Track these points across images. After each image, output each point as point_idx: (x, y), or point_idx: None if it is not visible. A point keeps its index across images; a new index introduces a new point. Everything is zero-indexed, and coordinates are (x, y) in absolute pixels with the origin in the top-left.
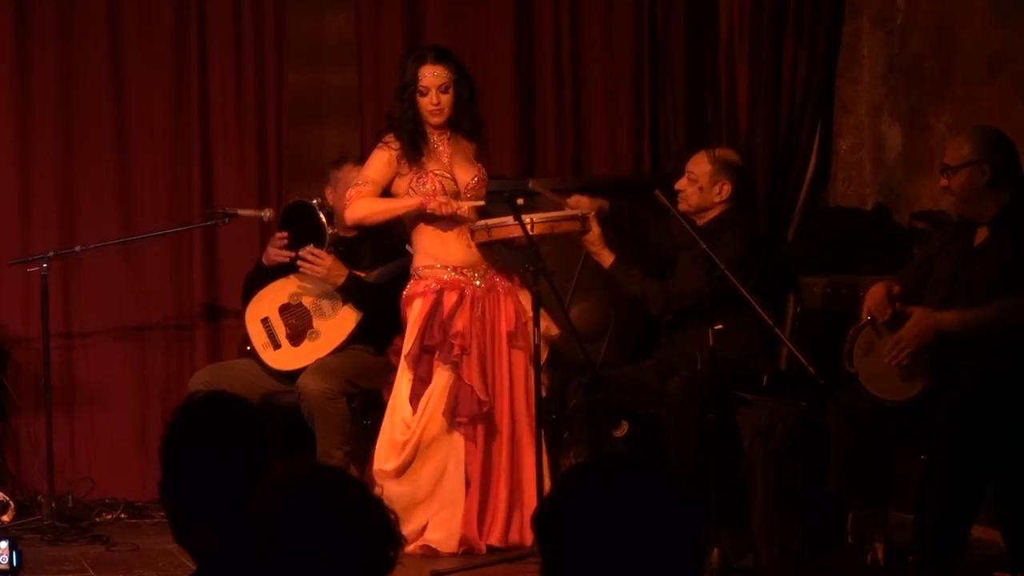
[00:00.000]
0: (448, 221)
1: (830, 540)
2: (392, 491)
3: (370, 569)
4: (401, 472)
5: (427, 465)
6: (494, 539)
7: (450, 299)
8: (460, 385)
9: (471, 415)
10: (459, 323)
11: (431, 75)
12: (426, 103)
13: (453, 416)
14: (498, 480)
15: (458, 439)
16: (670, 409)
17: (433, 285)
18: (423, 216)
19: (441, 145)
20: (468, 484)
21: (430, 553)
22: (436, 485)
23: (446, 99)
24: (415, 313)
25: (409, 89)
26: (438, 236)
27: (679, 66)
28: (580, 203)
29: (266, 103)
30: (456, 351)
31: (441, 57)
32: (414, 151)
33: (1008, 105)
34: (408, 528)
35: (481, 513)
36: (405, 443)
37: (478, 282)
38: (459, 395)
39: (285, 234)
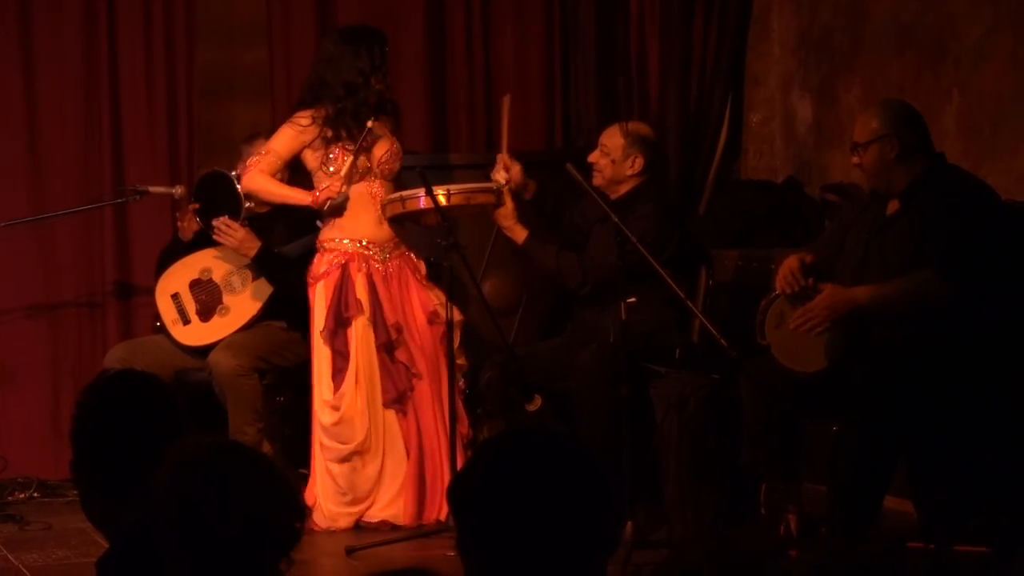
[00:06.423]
0: (361, 196)
1: (743, 512)
2: (348, 479)
3: (276, 541)
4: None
5: (365, 444)
6: (436, 514)
7: (356, 273)
8: (391, 366)
9: (406, 390)
10: (391, 315)
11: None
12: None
13: (397, 400)
14: (435, 454)
15: (390, 415)
16: (579, 381)
17: (337, 260)
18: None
19: None
20: (408, 457)
21: (385, 527)
22: (383, 462)
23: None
24: (321, 293)
25: (382, 70)
26: (349, 209)
27: (589, 40)
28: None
29: (177, 80)
30: (394, 335)
31: None
32: (356, 132)
33: (917, 77)
34: (377, 506)
35: (422, 486)
36: (339, 425)
37: (382, 259)
38: (392, 375)
39: (195, 205)
